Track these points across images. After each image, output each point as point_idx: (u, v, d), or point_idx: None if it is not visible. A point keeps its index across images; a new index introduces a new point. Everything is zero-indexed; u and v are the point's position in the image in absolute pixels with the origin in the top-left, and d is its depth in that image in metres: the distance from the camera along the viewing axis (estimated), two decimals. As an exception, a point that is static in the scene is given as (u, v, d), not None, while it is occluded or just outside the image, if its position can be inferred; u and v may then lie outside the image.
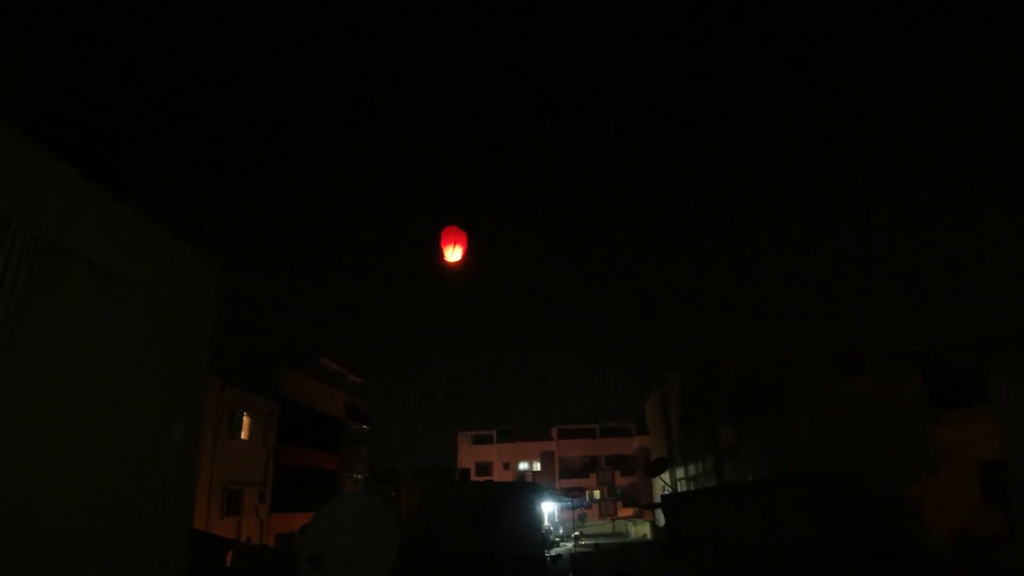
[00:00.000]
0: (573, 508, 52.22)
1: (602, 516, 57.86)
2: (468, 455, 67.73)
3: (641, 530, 50.38)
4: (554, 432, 68.12)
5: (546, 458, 66.23)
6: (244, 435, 28.62)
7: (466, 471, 61.75)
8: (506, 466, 66.53)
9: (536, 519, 30.28)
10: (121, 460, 9.53)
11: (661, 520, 32.27)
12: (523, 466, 66.88)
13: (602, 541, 39.97)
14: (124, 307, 9.81)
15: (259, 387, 29.94)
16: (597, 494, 61.92)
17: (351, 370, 42.84)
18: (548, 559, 27.65)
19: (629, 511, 55.71)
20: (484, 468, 65.98)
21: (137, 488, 9.84)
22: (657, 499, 35.58)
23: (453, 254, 11.15)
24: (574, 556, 30.00)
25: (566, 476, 64.09)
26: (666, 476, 33.64)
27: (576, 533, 44.46)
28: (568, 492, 55.99)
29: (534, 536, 28.55)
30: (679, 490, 31.86)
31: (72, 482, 8.42)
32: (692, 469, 31.69)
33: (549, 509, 40.87)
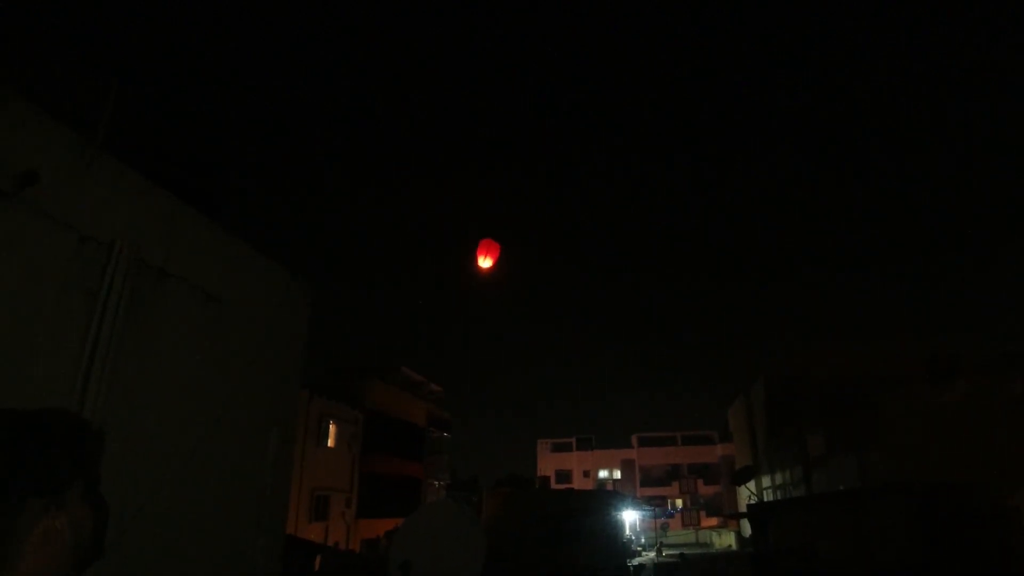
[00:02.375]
0: (655, 517, 51.46)
1: (685, 526, 56.78)
2: (547, 463, 67.70)
3: (726, 541, 49.23)
4: (634, 440, 67.38)
5: (626, 466, 65.55)
6: (331, 443, 29.50)
7: (546, 479, 61.69)
8: (586, 474, 66.15)
9: (618, 528, 30.05)
10: (222, 469, 10.02)
11: (747, 530, 31.46)
12: (603, 474, 66.36)
13: (686, 552, 39.28)
14: (223, 325, 10.33)
15: (344, 398, 30.81)
16: (680, 503, 60.83)
17: (431, 380, 43.55)
18: (630, 569, 27.35)
19: (713, 521, 54.53)
20: (564, 476, 65.79)
21: (237, 495, 10.32)
22: (743, 509, 34.73)
23: (485, 262, 12.14)
24: (658, 566, 29.61)
25: (647, 485, 63.24)
26: (752, 485, 32.79)
27: (659, 543, 43.81)
28: (650, 501, 55.21)
29: (616, 545, 28.34)
30: (765, 500, 31.01)
31: (176, 490, 8.89)
32: (779, 478, 30.83)
33: (631, 518, 40.40)
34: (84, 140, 8.35)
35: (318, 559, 21.25)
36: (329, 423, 29.37)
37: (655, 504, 54.59)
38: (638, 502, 47.83)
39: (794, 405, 27.96)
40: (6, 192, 6.93)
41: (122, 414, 8.11)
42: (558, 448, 68.88)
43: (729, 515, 45.41)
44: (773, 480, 31.79)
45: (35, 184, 7.11)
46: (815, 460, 24.90)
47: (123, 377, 8.20)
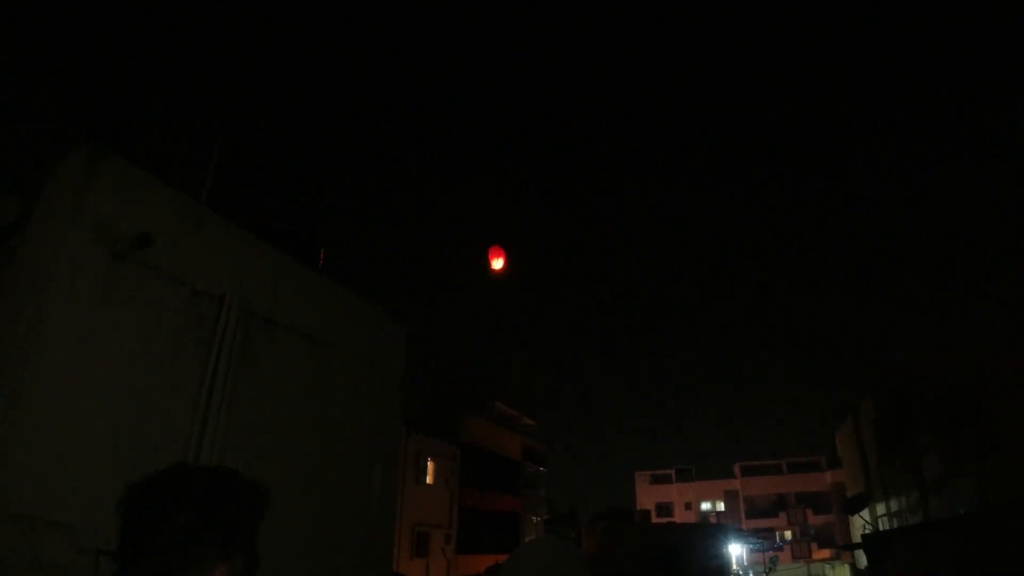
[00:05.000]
0: (763, 550, 49.47)
1: (795, 558, 54.29)
2: (647, 495, 66.29)
3: (840, 573, 46.79)
4: (736, 469, 65.20)
5: (730, 497, 63.44)
6: (429, 480, 29.95)
7: (646, 512, 60.43)
8: (688, 506, 64.39)
9: (724, 562, 29.11)
10: (330, 507, 10.41)
11: (862, 562, 29.83)
12: (706, 506, 64.43)
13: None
14: (327, 368, 10.82)
15: (441, 433, 31.30)
16: (788, 535, 58.28)
17: (525, 413, 43.68)
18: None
19: (825, 552, 51.96)
20: (664, 509, 64.18)
21: (344, 533, 10.68)
22: (856, 539, 32.99)
23: (496, 264, 13.88)
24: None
25: (753, 516, 60.91)
26: (865, 513, 31.15)
27: (768, 577, 42.07)
28: (756, 533, 53.13)
29: (723, 579, 27.43)
30: (881, 528, 29.39)
31: (287, 529, 9.29)
32: (895, 504, 29.21)
33: (737, 552, 38.99)
34: (192, 200, 9.04)
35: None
36: (427, 459, 29.86)
37: (762, 536, 52.50)
38: (744, 534, 46.15)
39: (906, 423, 26.52)
40: (123, 255, 7.57)
41: (237, 457, 8.60)
42: (657, 480, 67.40)
43: (842, 547, 43.17)
44: (888, 507, 30.12)
45: (150, 246, 7.73)
46: (932, 483, 23.50)
47: (237, 422, 8.71)
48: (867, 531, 29.12)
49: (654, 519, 57.22)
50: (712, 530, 30.80)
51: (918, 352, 26.21)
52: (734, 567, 36.15)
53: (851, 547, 35.92)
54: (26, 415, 6.38)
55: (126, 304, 7.61)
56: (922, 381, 23.95)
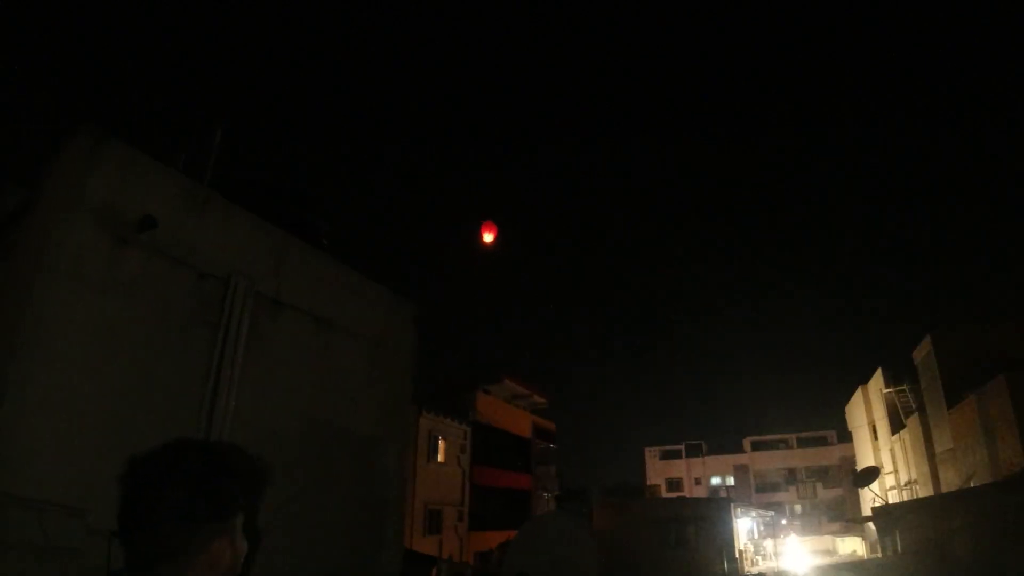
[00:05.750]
0: (773, 524, 49.68)
1: (805, 532, 54.49)
2: (657, 471, 66.51)
3: (850, 546, 46.93)
4: (746, 444, 65.28)
5: (740, 472, 63.59)
6: (441, 458, 30.13)
7: (655, 488, 60.62)
8: (697, 482, 64.57)
9: (733, 536, 29.25)
10: (342, 485, 10.51)
11: (873, 535, 29.95)
12: (715, 481, 64.57)
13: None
14: (335, 348, 10.87)
15: (452, 412, 31.44)
16: (798, 508, 58.45)
17: (535, 390, 43.78)
18: (749, 577, 26.59)
19: (835, 526, 52.11)
20: (674, 484, 64.42)
21: (357, 510, 10.79)
22: (867, 512, 33.11)
23: (487, 237, 14.58)
24: None
25: (763, 491, 61.09)
26: (875, 486, 31.23)
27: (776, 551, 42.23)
28: (766, 507, 53.34)
29: (731, 553, 27.61)
30: (891, 501, 29.46)
31: (300, 508, 9.37)
32: (904, 476, 29.25)
33: (747, 525, 39.18)
34: (195, 182, 9.03)
35: (434, 571, 21.72)
36: (438, 438, 30.02)
37: (772, 510, 52.71)
38: (754, 508, 46.36)
39: (915, 394, 26.49)
40: (127, 238, 7.58)
41: (246, 435, 8.66)
42: (667, 456, 67.54)
43: (852, 520, 43.33)
44: (898, 479, 30.18)
45: (154, 229, 7.73)
46: (942, 455, 23.49)
47: (245, 402, 8.77)
48: (877, 504, 29.24)
49: (664, 494, 57.55)
50: (720, 504, 30.90)
51: (932, 325, 25.71)
52: (744, 540, 36.36)
53: (861, 520, 36.07)
54: (35, 401, 6.44)
55: (131, 288, 7.63)
56: (936, 353, 23.82)
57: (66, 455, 6.56)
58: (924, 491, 25.57)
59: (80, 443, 6.68)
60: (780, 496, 59.80)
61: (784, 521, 53.94)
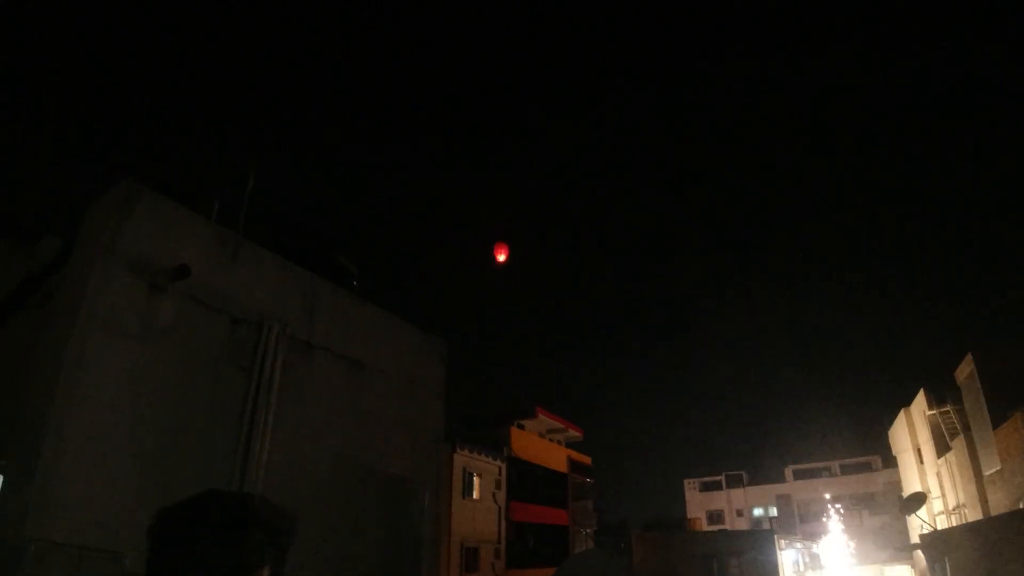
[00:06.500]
0: (819, 554, 48.35)
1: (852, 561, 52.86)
2: (697, 503, 65.29)
3: (899, 575, 45.43)
4: (788, 473, 63.87)
5: (782, 502, 62.10)
6: (476, 495, 29.96)
7: (695, 521, 59.40)
8: (739, 513, 63.20)
9: (777, 569, 28.57)
10: (375, 526, 10.55)
11: (922, 563, 28.99)
12: (758, 512, 63.14)
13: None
14: (366, 388, 11.00)
15: (486, 447, 31.33)
16: (845, 537, 56.81)
17: (570, 424, 43.47)
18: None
19: (883, 554, 50.55)
20: (716, 517, 63.15)
21: (391, 550, 10.80)
22: (914, 539, 32.10)
23: (500, 256, 15.10)
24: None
25: (807, 520, 59.56)
26: (923, 512, 30.32)
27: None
28: (810, 537, 51.94)
29: (778, 585, 26.91)
30: (939, 527, 28.56)
31: (334, 549, 9.44)
32: (952, 500, 28.39)
33: (792, 557, 38.19)
34: (226, 230, 9.31)
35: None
36: (473, 475, 29.91)
37: (817, 540, 51.33)
38: (798, 539, 45.22)
39: (960, 415, 25.79)
40: (162, 286, 7.83)
41: (279, 479, 8.78)
42: (707, 487, 66.29)
43: (900, 548, 42.01)
44: (946, 504, 29.28)
45: (187, 277, 7.98)
46: (990, 476, 22.80)
47: (279, 445, 8.90)
48: (925, 531, 28.35)
49: (705, 527, 56.41)
50: (761, 537, 30.24)
51: (987, 341, 25.04)
52: (789, 573, 35.44)
53: (910, 548, 34.97)
54: (73, 448, 6.62)
55: (166, 335, 7.85)
56: (980, 370, 23.28)
57: (104, 501, 6.71)
58: (973, 515, 24.74)
59: (118, 489, 6.83)
60: (825, 525, 58.27)
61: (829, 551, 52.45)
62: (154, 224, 7.93)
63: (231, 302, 8.85)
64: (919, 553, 29.38)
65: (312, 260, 10.92)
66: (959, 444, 26.95)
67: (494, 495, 31.35)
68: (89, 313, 7.00)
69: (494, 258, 15.18)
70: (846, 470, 61.31)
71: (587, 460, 46.16)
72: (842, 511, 55.77)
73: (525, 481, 34.76)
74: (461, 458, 28.86)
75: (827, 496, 60.03)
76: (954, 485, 28.34)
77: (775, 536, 30.75)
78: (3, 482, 6.85)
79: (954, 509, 28.35)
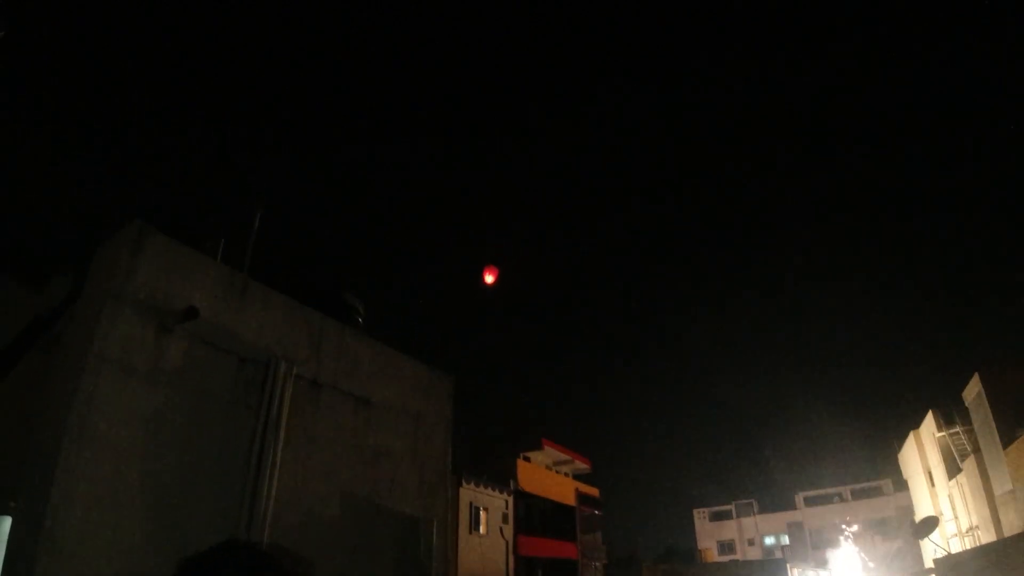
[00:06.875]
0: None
1: (869, 588, 52.07)
2: (707, 533, 64.48)
3: (916, 601, 44.72)
4: (798, 500, 63.17)
5: (794, 529, 61.34)
6: (483, 529, 29.68)
7: (706, 551, 58.59)
8: (751, 542, 62.36)
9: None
10: (383, 563, 10.50)
11: (939, 588, 28.55)
12: (769, 540, 62.32)
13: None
14: (374, 425, 11.04)
15: (493, 481, 31.12)
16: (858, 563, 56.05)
17: (577, 455, 43.18)
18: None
19: (899, 580, 49.82)
20: (726, 546, 62.33)
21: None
22: (928, 564, 31.69)
23: (489, 278, 15.15)
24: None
25: (819, 547, 58.79)
26: (936, 536, 29.99)
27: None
28: (824, 564, 51.24)
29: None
30: (953, 551, 28.22)
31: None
32: (965, 523, 28.09)
33: (806, 584, 37.69)
34: (234, 271, 9.43)
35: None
36: (480, 509, 29.67)
37: (830, 567, 50.66)
38: (811, 566, 44.64)
39: (970, 436, 25.64)
40: (170, 328, 7.92)
41: (287, 518, 8.78)
42: (717, 516, 65.51)
43: (914, 574, 41.45)
44: (959, 526, 28.96)
45: (196, 318, 8.08)
46: (1002, 497, 22.60)
47: (286, 482, 8.92)
48: (939, 555, 28.01)
49: (715, 557, 55.67)
50: (773, 565, 29.90)
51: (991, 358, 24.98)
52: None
53: (924, 573, 34.52)
54: (82, 489, 6.65)
55: (175, 375, 7.92)
56: (990, 388, 23.22)
57: (114, 542, 6.72)
58: (986, 536, 24.48)
59: (128, 531, 6.85)
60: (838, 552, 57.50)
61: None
62: (163, 265, 8.05)
63: (238, 342, 8.93)
64: (934, 578, 28.99)
65: (319, 299, 11.03)
66: (970, 465, 26.77)
67: (501, 529, 31.05)
68: (99, 354, 7.08)
69: (483, 280, 15.44)
70: (857, 495, 60.66)
71: (595, 492, 45.73)
72: (852, 536, 55.18)
73: (532, 514, 34.45)
74: (468, 492, 28.66)
75: (845, 521, 59.43)
76: (966, 507, 28.08)
77: (788, 565, 30.36)
78: (13, 525, 6.86)
79: (967, 531, 28.04)
